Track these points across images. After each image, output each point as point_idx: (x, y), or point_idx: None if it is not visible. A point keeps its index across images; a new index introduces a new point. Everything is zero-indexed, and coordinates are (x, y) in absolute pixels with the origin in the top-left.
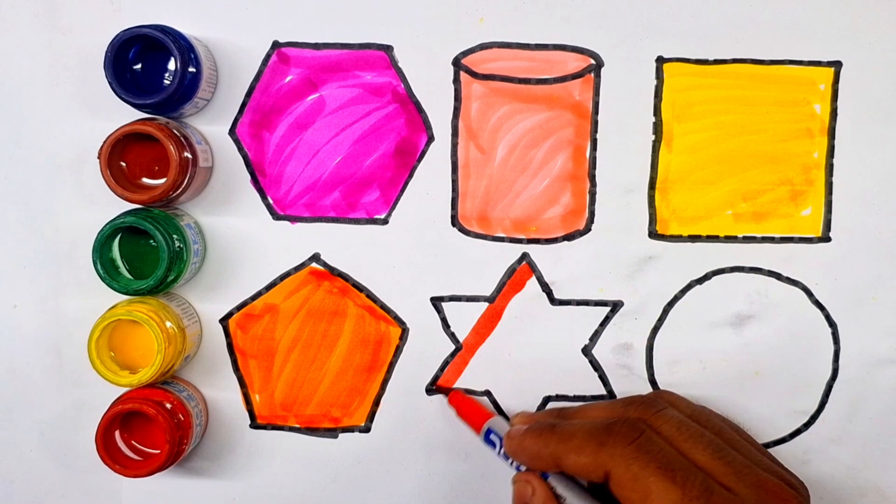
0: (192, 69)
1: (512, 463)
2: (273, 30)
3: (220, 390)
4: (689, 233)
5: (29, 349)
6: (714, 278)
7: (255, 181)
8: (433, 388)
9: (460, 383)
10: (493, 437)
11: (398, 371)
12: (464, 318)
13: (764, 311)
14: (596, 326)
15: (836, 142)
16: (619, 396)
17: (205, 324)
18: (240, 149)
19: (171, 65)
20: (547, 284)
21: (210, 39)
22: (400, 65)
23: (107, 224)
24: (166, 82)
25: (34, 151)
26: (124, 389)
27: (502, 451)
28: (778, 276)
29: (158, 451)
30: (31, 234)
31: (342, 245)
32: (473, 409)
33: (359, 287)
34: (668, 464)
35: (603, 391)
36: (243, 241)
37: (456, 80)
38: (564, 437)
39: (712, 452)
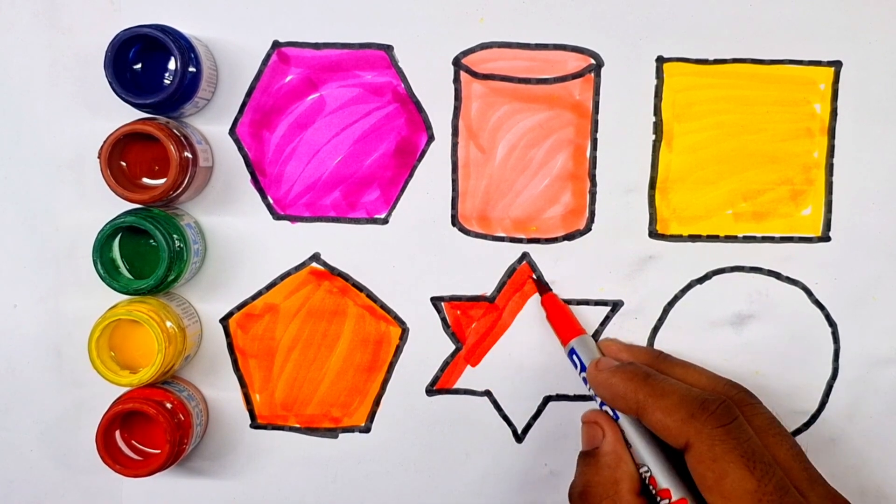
0: (192, 69)
1: (589, 389)
2: (273, 30)
3: (220, 390)
4: (689, 232)
5: (29, 349)
6: (714, 278)
7: (255, 181)
8: (536, 280)
9: (460, 383)
10: (576, 357)
11: (398, 371)
12: (464, 318)
13: (764, 311)
14: (596, 326)
15: (836, 142)
16: None
17: (205, 324)
18: (240, 149)
19: (171, 65)
20: (547, 284)
21: (210, 39)
22: (400, 64)
23: (107, 224)
24: (166, 82)
25: (34, 151)
26: (124, 389)
27: (583, 374)
28: (778, 276)
29: (158, 451)
30: (31, 234)
31: (342, 245)
32: (564, 319)
33: (359, 287)
34: (752, 454)
35: None
36: (243, 240)
37: (456, 80)
38: (657, 391)
39: (794, 455)
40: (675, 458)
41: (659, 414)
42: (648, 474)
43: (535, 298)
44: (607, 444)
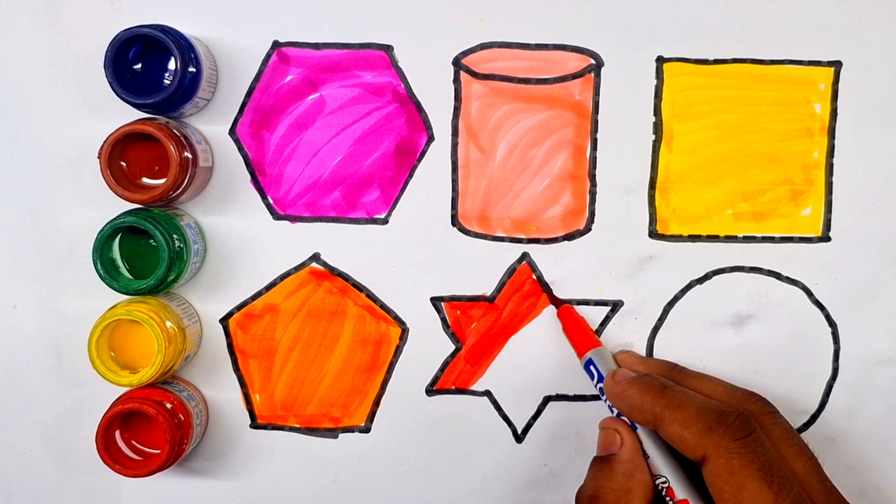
0: (192, 69)
1: (606, 400)
2: (273, 30)
3: (220, 390)
4: (689, 232)
5: (29, 349)
6: (714, 278)
7: (255, 181)
8: (550, 294)
9: (460, 383)
10: (593, 368)
11: (398, 371)
12: (464, 319)
13: (764, 311)
14: (596, 326)
15: (836, 142)
16: None
17: (205, 324)
18: (240, 149)
19: (171, 65)
20: (547, 284)
21: (210, 39)
22: (400, 65)
23: (107, 224)
24: (166, 82)
25: (34, 151)
26: (124, 389)
27: (600, 385)
28: (778, 276)
29: (158, 451)
30: (31, 234)
31: (342, 245)
32: (580, 331)
33: (359, 287)
34: (769, 468)
35: None
36: (243, 241)
37: (456, 80)
38: (674, 403)
39: (811, 467)
40: (691, 470)
41: (676, 426)
42: (666, 485)
43: (534, 299)
44: (625, 451)
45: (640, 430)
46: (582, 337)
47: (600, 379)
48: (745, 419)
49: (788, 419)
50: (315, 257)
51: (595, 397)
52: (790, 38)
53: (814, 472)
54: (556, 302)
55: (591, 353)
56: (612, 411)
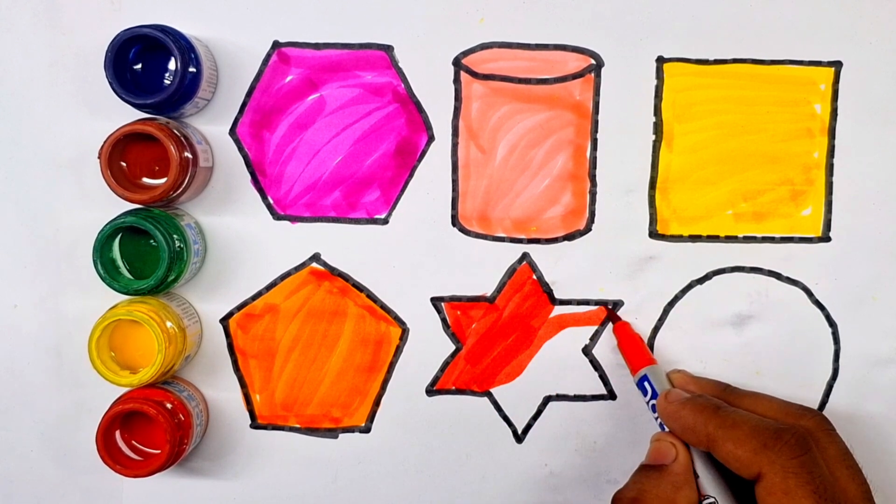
0: (192, 69)
1: (657, 417)
2: (273, 30)
3: (220, 390)
4: (689, 233)
5: (29, 349)
6: (714, 278)
7: (256, 181)
8: (609, 310)
9: (460, 383)
10: (647, 384)
11: (398, 371)
12: (464, 319)
13: (764, 311)
14: (597, 326)
15: (836, 142)
16: (619, 397)
17: (205, 324)
18: (240, 149)
19: (171, 65)
20: (547, 284)
21: (210, 39)
22: (400, 65)
23: (107, 224)
24: (166, 82)
25: (34, 151)
26: (124, 389)
27: (652, 402)
28: (778, 276)
29: (159, 451)
30: (31, 234)
31: (342, 245)
32: (635, 348)
33: (359, 287)
34: (823, 490)
35: (603, 391)
36: (243, 241)
37: (456, 80)
38: (727, 423)
39: (863, 493)
40: (740, 495)
41: (730, 445)
42: None
43: (535, 300)
44: (678, 465)
45: (692, 450)
46: (637, 354)
47: (654, 395)
48: (801, 437)
49: None
50: (315, 257)
51: (595, 397)
52: (790, 38)
53: (864, 498)
54: (614, 318)
55: (645, 370)
56: (664, 428)
